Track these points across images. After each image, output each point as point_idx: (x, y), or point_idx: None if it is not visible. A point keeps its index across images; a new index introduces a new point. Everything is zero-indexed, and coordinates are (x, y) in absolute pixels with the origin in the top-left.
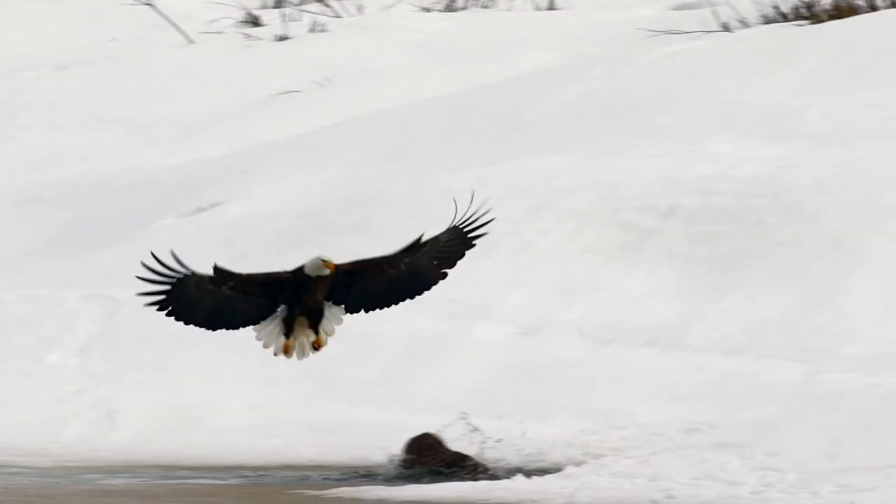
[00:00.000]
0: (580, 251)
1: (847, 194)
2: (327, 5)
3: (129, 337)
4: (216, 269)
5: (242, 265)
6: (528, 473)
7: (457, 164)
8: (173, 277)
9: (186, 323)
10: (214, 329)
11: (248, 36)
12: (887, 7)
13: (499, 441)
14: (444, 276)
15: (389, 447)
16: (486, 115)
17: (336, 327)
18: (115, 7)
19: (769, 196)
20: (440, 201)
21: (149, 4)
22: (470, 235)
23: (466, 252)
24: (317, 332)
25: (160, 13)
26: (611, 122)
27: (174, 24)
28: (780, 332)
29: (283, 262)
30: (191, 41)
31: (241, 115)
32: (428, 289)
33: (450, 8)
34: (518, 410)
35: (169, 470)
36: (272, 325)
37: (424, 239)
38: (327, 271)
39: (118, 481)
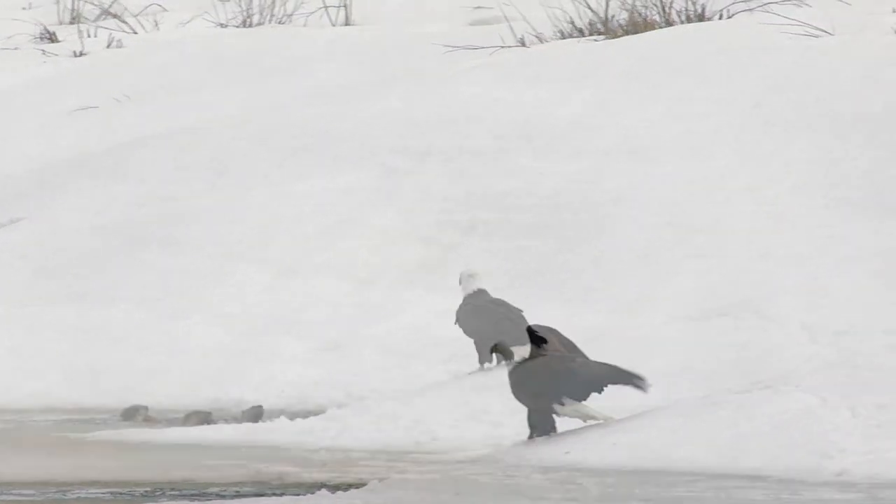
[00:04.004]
0: (382, 267)
1: (649, 209)
2: (123, 21)
3: None
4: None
5: (49, 283)
6: (291, 416)
7: (259, 180)
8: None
9: None
10: None
11: (44, 52)
12: (683, 22)
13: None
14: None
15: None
16: (289, 130)
17: None
18: None
19: (570, 211)
20: (250, 217)
21: None
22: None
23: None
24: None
25: None
26: (409, 137)
27: None
28: (585, 346)
29: (92, 278)
30: None
31: (39, 131)
32: None
33: (246, 24)
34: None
35: None
36: None
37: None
38: None
39: None
